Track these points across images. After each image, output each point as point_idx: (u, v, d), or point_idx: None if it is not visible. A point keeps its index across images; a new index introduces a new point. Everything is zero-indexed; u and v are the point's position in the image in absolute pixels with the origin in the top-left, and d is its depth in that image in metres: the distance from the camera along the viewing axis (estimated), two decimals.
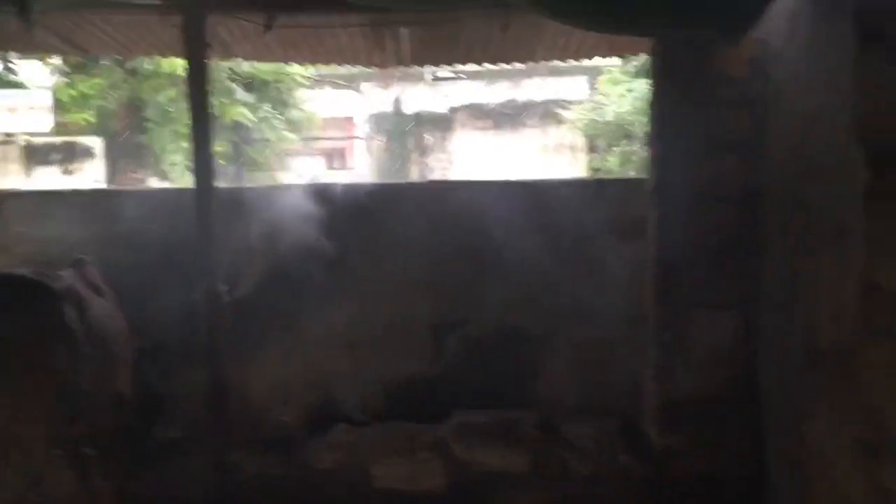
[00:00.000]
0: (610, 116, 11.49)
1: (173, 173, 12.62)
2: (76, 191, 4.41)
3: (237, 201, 4.30)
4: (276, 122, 13.65)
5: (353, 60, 4.58)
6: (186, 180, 12.64)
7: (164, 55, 4.67)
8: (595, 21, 2.69)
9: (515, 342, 4.23)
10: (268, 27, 3.72)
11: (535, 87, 13.95)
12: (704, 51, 3.42)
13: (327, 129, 16.68)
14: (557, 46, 4.36)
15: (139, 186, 8.97)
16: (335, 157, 19.25)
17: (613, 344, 4.08)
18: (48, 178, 12.64)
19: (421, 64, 4.63)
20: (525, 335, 4.21)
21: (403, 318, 4.27)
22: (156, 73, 11.98)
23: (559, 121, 13.08)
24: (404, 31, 4.11)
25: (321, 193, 4.37)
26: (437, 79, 15.51)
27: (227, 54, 4.50)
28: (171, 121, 12.38)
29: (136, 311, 3.80)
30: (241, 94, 12.75)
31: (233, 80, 12.94)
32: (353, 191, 4.41)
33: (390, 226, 4.31)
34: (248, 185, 13.02)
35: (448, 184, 4.69)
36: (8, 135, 13.19)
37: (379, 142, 14.42)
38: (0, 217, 4.23)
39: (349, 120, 16.48)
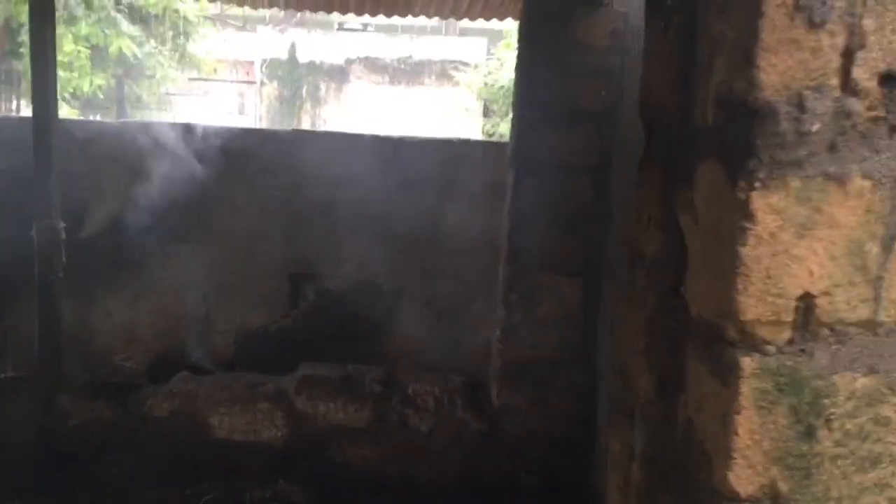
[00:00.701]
0: (504, 82, 11.53)
1: None
2: None
3: (91, 136, 4.11)
4: (163, 59, 13.11)
5: None
6: (64, 112, 12.02)
7: None
8: None
9: (369, 296, 4.22)
10: None
11: (434, 45, 13.84)
12: (567, 20, 3.44)
13: (224, 72, 16.15)
14: (433, 3, 4.31)
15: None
16: (234, 100, 18.68)
17: (467, 304, 4.12)
18: None
19: (295, 8, 4.49)
20: (379, 290, 4.20)
21: (260, 267, 4.20)
22: None
23: (455, 82, 13.05)
24: None
25: (184, 134, 4.21)
26: (341, 28, 15.19)
27: None
28: None
29: None
30: (126, 26, 12.15)
31: (119, 12, 12.33)
32: (216, 134, 4.26)
33: (253, 173, 4.21)
34: (122, 120, 12.53)
35: (314, 134, 4.58)
36: None
37: (272, 88, 14.04)
38: None
39: (249, 63, 15.99)
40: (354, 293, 4.23)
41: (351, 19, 13.29)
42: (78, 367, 3.79)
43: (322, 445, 3.61)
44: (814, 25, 0.90)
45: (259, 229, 4.20)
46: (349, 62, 13.85)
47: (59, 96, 10.81)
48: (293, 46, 14.19)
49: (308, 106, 13.89)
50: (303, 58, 14.19)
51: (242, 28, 14.56)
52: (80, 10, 11.91)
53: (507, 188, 3.70)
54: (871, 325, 0.97)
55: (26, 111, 12.67)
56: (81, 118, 9.07)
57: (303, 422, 3.62)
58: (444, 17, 4.61)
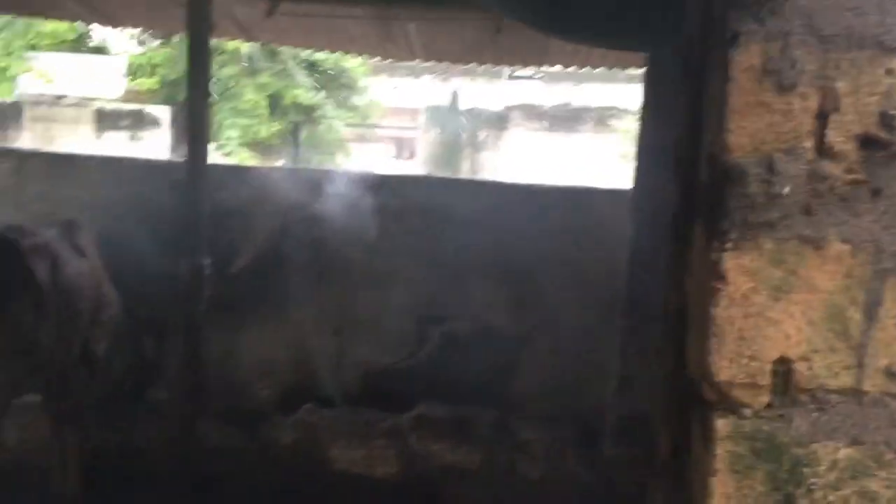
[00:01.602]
0: None
1: (227, 147, 12.97)
2: (91, 156, 4.63)
3: (242, 180, 4.46)
4: (332, 108, 13.88)
5: (367, 50, 4.69)
6: (241, 157, 13.02)
7: (173, 30, 4.85)
8: (539, 26, 2.73)
9: (492, 341, 4.27)
10: (270, 12, 3.83)
11: (594, 91, 13.85)
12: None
13: (390, 118, 16.88)
14: (565, 52, 4.37)
15: (153, 157, 9.16)
16: (405, 146, 19.47)
17: (589, 354, 4.08)
18: (117, 143, 13.13)
19: (428, 59, 4.70)
20: (502, 335, 4.25)
21: (390, 307, 4.36)
22: (220, 49, 12.33)
23: (612, 129, 12.98)
24: (411, 26, 4.18)
25: (326, 178, 4.49)
26: (512, 77, 15.53)
27: (246, 35, 4.64)
28: (231, 97, 12.73)
29: (134, 277, 3.96)
30: (302, 77, 13.04)
31: (297, 65, 13.26)
32: (355, 179, 4.51)
33: (388, 216, 4.39)
34: (302, 165, 13.35)
35: (449, 181, 4.74)
36: (82, 98, 13.72)
37: (433, 135, 14.53)
38: (20, 175, 4.47)
39: (413, 111, 16.63)
40: (478, 337, 4.29)
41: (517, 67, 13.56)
42: (218, 394, 4.06)
43: (433, 484, 3.68)
44: (783, 89, 0.90)
45: (391, 270, 4.37)
46: (508, 109, 14.10)
47: (238, 142, 11.72)
48: (455, 94, 14.63)
49: (468, 152, 14.24)
50: (464, 105, 14.60)
51: (408, 76, 15.22)
52: (261, 63, 12.93)
53: (630, 238, 3.67)
54: (854, 394, 0.93)
55: (210, 155, 13.80)
56: (233, 164, 9.77)
57: (415, 460, 3.71)
58: (578, 66, 4.67)
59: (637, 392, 3.50)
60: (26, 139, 12.71)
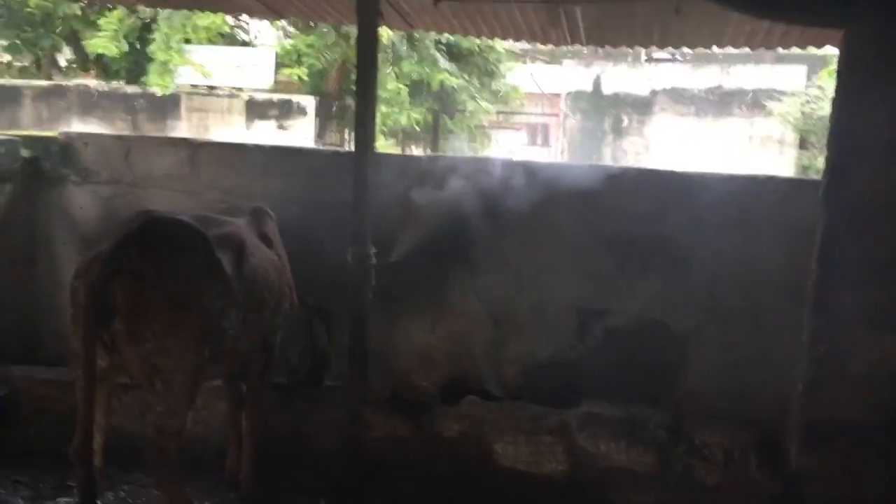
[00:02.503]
0: (826, 112, 10.66)
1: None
2: (258, 146, 4.73)
3: (402, 169, 4.45)
4: (474, 94, 13.84)
5: (529, 36, 4.57)
6: (380, 144, 13.20)
7: (341, 21, 4.87)
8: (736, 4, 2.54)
9: (658, 337, 4.09)
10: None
11: (746, 74, 13.19)
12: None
13: (531, 105, 16.72)
14: (743, 33, 4.11)
15: (320, 147, 9.35)
16: (538, 133, 19.30)
17: (764, 352, 3.84)
18: (265, 132, 13.62)
19: (595, 44, 4.54)
20: (669, 331, 4.06)
21: (550, 300, 4.25)
22: None
23: (768, 112, 12.30)
24: (578, 10, 4.03)
25: (484, 167, 4.42)
26: (649, 59, 15.08)
27: (408, 24, 4.62)
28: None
29: (303, 266, 4.03)
30: (444, 63, 13.06)
31: (438, 50, 13.30)
32: (514, 167, 4.41)
33: (549, 206, 4.28)
34: (441, 153, 13.41)
35: (609, 169, 4.56)
36: (234, 89, 14.30)
37: (575, 121, 14.27)
38: (193, 165, 4.62)
39: (555, 97, 16.40)
40: (643, 332, 4.12)
41: (658, 50, 13.12)
42: (381, 383, 4.08)
43: (601, 485, 3.55)
44: None
45: (552, 262, 4.26)
46: (654, 94, 13.65)
47: (378, 129, 11.90)
48: (597, 79, 14.31)
49: (610, 139, 13.90)
50: (607, 90, 14.25)
51: (550, 62, 15.00)
52: (403, 51, 13.04)
53: (819, 231, 3.40)
54: None
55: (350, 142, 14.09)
56: (395, 153, 9.86)
57: (583, 459, 3.60)
58: (754, 47, 4.38)
59: (828, 397, 3.25)
60: (183, 129, 13.38)
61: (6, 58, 16.64)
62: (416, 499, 3.67)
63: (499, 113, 15.79)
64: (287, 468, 3.79)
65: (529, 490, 3.64)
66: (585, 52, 14.05)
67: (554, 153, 15.66)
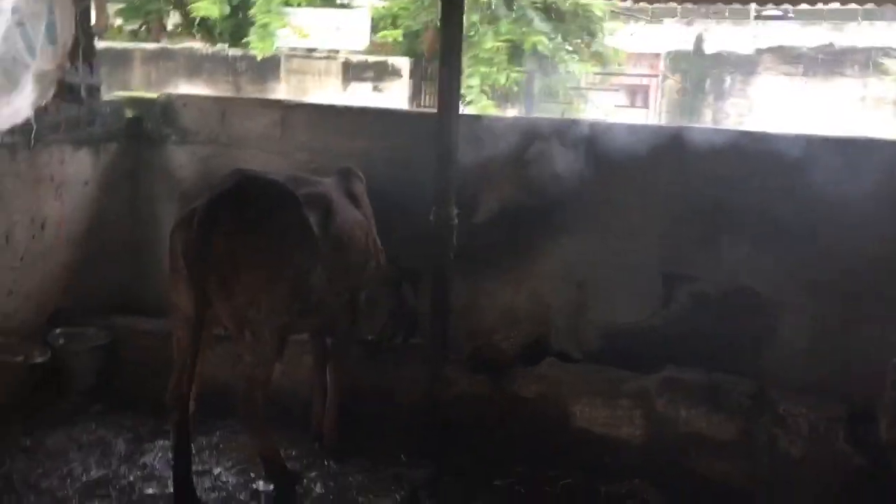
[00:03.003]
0: None
1: (469, 96, 13.13)
2: (347, 107, 4.80)
3: (485, 130, 4.44)
4: (573, 54, 13.60)
5: None
6: (481, 105, 13.14)
7: None
8: None
9: (746, 305, 3.99)
10: None
11: (860, 31, 12.47)
12: None
13: (629, 65, 16.29)
14: None
15: (407, 109, 9.30)
16: (637, 94, 18.83)
17: (856, 324, 3.70)
18: (361, 94, 13.77)
19: (708, 2, 4.36)
20: (758, 299, 3.94)
21: (634, 263, 4.19)
22: None
23: (883, 72, 11.61)
24: None
25: (571, 130, 4.38)
26: (758, 17, 14.46)
27: None
28: (472, 46, 12.82)
29: (389, 226, 4.10)
30: (539, 23, 12.86)
31: (535, 10, 13.10)
32: (601, 130, 4.35)
33: (635, 170, 4.20)
34: (538, 115, 13.27)
35: (701, 131, 4.41)
36: (331, 51, 14.49)
37: (674, 81, 13.84)
38: (285, 126, 4.74)
39: (654, 56, 15.93)
40: (730, 300, 4.03)
41: (769, 7, 12.52)
42: (462, 342, 4.13)
43: (680, 451, 3.52)
44: None
45: (637, 226, 4.19)
46: (759, 53, 13.07)
47: (479, 89, 11.83)
48: (699, 38, 13.79)
49: (710, 100, 13.42)
50: (709, 49, 13.73)
51: (650, 21, 14.56)
52: (501, 10, 12.90)
53: None
54: None
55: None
56: (481, 114, 9.79)
57: (662, 424, 3.56)
58: (861, 2, 4.15)
59: None
60: (283, 90, 13.66)
61: (118, 22, 17.35)
62: (493, 457, 3.72)
63: (597, 74, 15.46)
64: (369, 423, 3.90)
65: (606, 453, 3.63)
66: (689, 10, 13.56)
67: (652, 115, 15.24)
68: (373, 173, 4.21)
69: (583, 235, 4.28)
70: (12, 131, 3.96)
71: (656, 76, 14.92)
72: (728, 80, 13.26)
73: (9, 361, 3.93)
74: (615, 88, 17.53)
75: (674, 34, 14.33)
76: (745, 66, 13.09)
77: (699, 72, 13.49)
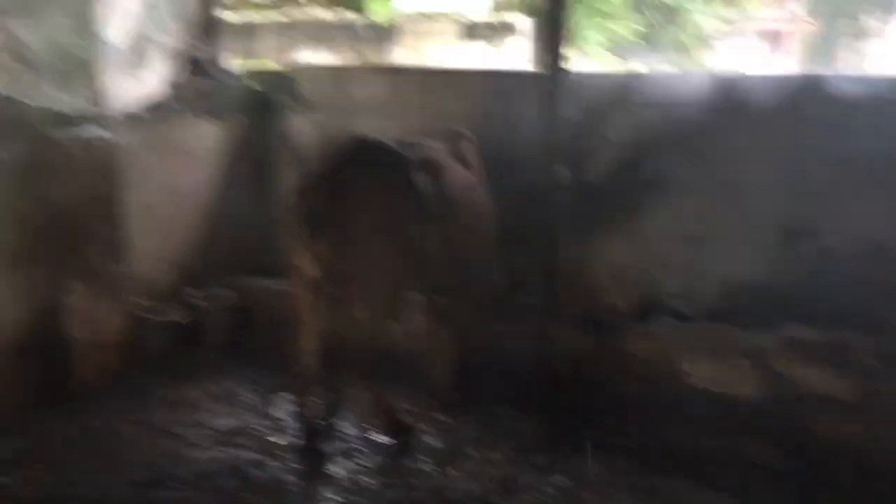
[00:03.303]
0: None
1: (589, 51, 12.86)
2: (458, 69, 4.86)
3: (597, 87, 4.38)
4: (702, 2, 13.05)
5: None
6: (603, 59, 12.84)
7: None
8: None
9: (881, 261, 3.79)
10: None
11: None
12: None
13: (766, 10, 15.47)
14: None
15: (518, 69, 9.09)
16: (772, 39, 17.89)
17: None
18: (481, 55, 13.73)
19: None
20: (892, 255, 3.74)
21: (752, 219, 4.06)
22: None
23: None
24: None
25: (685, 82, 4.26)
26: None
27: None
28: None
29: (502, 187, 4.14)
30: None
31: None
32: (718, 81, 4.21)
33: (755, 122, 4.05)
34: (666, 68, 12.85)
35: (825, 79, 4.18)
36: (451, 13, 14.49)
37: (812, 24, 13.04)
38: (400, 90, 4.84)
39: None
40: (861, 257, 3.84)
41: None
42: (573, 301, 4.13)
43: (798, 411, 3.42)
44: None
45: (759, 180, 4.05)
46: None
47: (598, 43, 11.52)
48: None
49: (849, 43, 12.58)
50: None
51: None
52: None
53: None
54: None
55: (573, 61, 13.76)
56: (587, 70, 9.57)
57: (779, 384, 3.47)
58: None
59: None
60: (403, 54, 13.82)
61: None
62: (604, 415, 3.73)
63: (727, 21, 14.77)
64: (483, 379, 3.99)
65: (721, 412, 3.57)
66: None
67: (788, 61, 14.44)
68: (485, 135, 4.25)
69: (700, 191, 4.17)
70: (147, 107, 4.23)
71: (792, 20, 14.10)
72: (868, 21, 12.38)
73: (154, 321, 4.28)
74: (748, 35, 16.71)
75: None
76: (888, 6, 12.18)
77: (838, 13, 12.66)
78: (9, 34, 3.42)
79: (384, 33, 13.88)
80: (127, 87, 3.99)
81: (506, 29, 13.89)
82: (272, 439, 3.65)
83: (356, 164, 3.38)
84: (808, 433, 3.41)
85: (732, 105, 4.03)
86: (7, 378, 3.68)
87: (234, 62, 5.22)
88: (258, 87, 5.09)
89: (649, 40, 13.84)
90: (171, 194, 4.52)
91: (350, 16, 14.39)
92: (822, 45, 12.51)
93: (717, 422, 3.57)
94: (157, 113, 4.31)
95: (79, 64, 3.68)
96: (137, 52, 4.10)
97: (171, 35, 4.37)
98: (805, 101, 3.95)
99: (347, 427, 3.72)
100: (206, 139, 4.75)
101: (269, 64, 6.08)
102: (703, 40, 13.86)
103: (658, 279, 4.23)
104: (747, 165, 4.07)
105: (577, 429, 3.67)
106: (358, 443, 3.63)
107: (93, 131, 3.87)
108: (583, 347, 3.91)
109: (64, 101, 3.68)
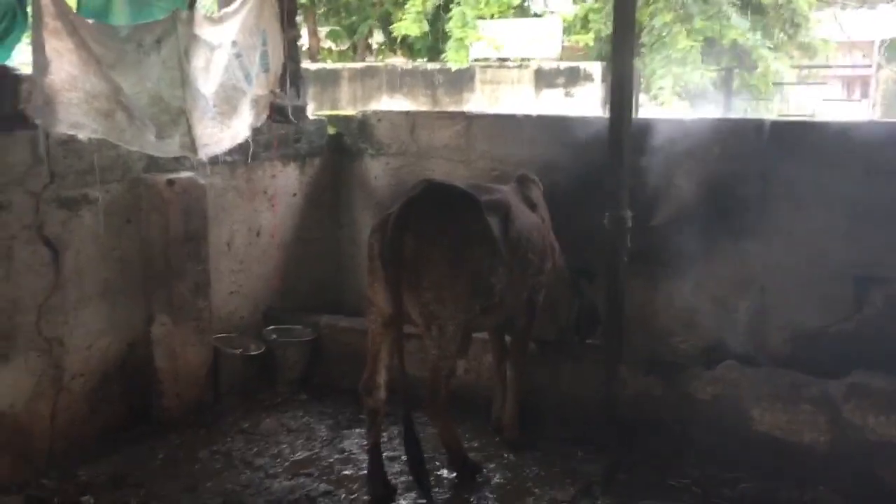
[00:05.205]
0: None
1: (661, 97, 12.89)
2: (526, 116, 4.98)
3: (665, 134, 4.45)
4: (771, 49, 12.97)
5: None
6: (675, 105, 12.85)
7: None
8: None
9: None
10: None
11: None
12: None
13: (838, 56, 15.29)
14: None
15: (584, 115, 9.20)
16: (850, 85, 17.63)
17: None
18: (553, 100, 13.91)
19: None
20: None
21: (821, 265, 4.06)
22: None
23: None
24: None
25: (747, 130, 4.32)
26: None
27: None
28: (664, 46, 12.60)
29: (567, 229, 4.25)
30: (736, 18, 12.40)
31: (731, 5, 12.64)
32: (780, 128, 4.26)
33: (821, 168, 4.07)
34: (737, 113, 12.78)
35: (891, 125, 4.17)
36: (523, 59, 14.76)
37: (890, 71, 12.82)
38: (468, 136, 5.02)
39: (868, 44, 14.85)
40: None
41: None
42: (638, 343, 4.19)
43: (868, 459, 3.39)
44: None
45: (822, 227, 4.07)
46: None
47: (671, 90, 11.54)
48: None
49: None
50: None
51: (861, 7, 13.58)
52: (695, 8, 12.57)
53: None
54: None
55: (643, 106, 13.83)
56: (652, 116, 9.60)
57: (848, 431, 3.45)
58: None
59: None
60: (477, 100, 14.12)
61: (328, 44, 18.67)
62: (669, 457, 3.75)
63: (802, 67, 14.63)
64: (548, 418, 4.06)
65: (787, 459, 3.56)
66: None
67: (867, 106, 14.20)
68: (551, 178, 4.39)
69: (768, 237, 4.20)
70: (232, 151, 4.50)
71: (869, 66, 13.89)
72: None
73: (231, 354, 4.49)
74: (824, 81, 16.49)
75: (889, 20, 13.26)
76: None
77: None
78: (114, 86, 3.71)
79: (459, 80, 14.22)
80: (216, 133, 4.26)
81: (578, 75, 14.06)
82: (343, 471, 3.78)
83: (430, 206, 3.53)
84: (876, 481, 3.37)
85: (801, 151, 4.06)
86: (95, 404, 3.93)
87: (316, 109, 5.49)
88: (335, 132, 5.35)
89: (722, 87, 13.79)
90: (252, 233, 4.78)
91: (428, 65, 14.80)
92: None
93: (782, 468, 3.56)
94: (241, 156, 4.58)
95: (174, 112, 3.95)
96: (226, 101, 4.37)
97: (257, 85, 4.64)
98: (869, 147, 3.95)
99: (415, 461, 3.81)
100: (285, 181, 5.00)
101: (348, 110, 6.35)
102: (778, 86, 13.74)
103: (725, 323, 4.24)
104: (814, 211, 4.08)
105: (640, 470, 3.70)
106: (425, 476, 3.72)
107: (184, 174, 4.14)
108: (648, 390, 3.94)
109: (160, 146, 3.95)
